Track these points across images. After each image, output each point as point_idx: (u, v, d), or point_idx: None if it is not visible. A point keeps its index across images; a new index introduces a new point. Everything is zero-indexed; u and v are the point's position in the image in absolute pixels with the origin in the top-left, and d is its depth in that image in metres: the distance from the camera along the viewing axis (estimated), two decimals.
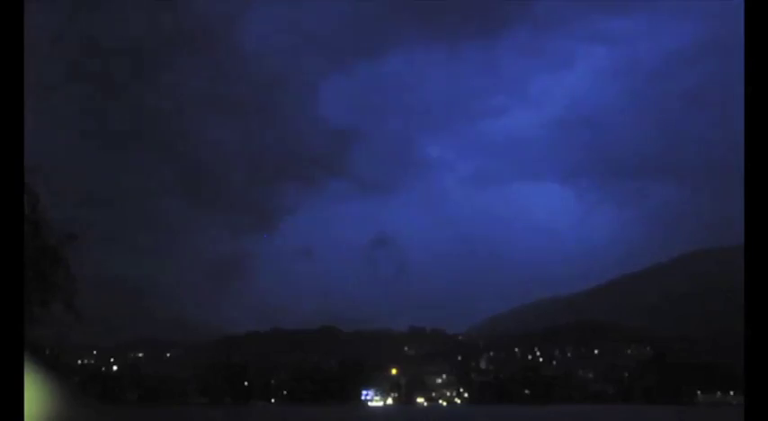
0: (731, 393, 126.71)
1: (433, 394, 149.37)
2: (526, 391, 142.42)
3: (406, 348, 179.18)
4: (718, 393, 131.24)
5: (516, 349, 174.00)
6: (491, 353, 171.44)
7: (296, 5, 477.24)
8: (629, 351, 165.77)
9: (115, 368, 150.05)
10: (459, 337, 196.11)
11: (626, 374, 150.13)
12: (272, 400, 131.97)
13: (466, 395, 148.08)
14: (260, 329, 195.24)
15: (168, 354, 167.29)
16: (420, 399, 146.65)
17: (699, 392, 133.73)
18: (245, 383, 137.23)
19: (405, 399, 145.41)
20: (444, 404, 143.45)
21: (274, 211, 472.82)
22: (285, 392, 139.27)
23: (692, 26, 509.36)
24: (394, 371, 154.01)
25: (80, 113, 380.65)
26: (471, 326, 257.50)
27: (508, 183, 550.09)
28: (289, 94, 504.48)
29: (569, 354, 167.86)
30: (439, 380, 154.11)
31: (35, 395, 11.30)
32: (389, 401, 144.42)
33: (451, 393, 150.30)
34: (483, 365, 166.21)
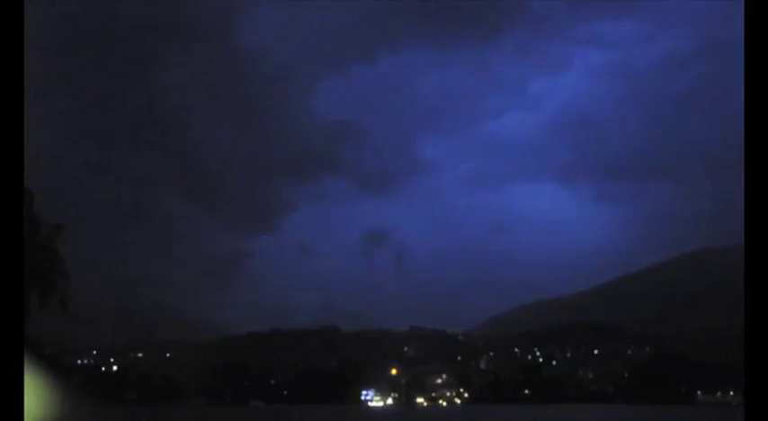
0: (731, 393, 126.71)
1: (433, 394, 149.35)
2: (526, 391, 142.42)
3: (405, 348, 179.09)
4: (718, 393, 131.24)
5: (516, 349, 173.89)
6: (491, 354, 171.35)
7: (294, 5, 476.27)
8: (629, 351, 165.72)
9: (115, 368, 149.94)
10: (460, 337, 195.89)
11: (626, 374, 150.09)
12: (272, 400, 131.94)
13: (466, 395, 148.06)
14: (260, 329, 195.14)
15: (168, 354, 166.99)
16: (420, 399, 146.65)
17: (699, 392, 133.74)
18: (245, 383, 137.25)
19: (405, 399, 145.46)
20: (444, 404, 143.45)
21: (274, 210, 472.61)
22: (285, 392, 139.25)
23: (687, 29, 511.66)
24: (394, 372, 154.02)
25: (75, 109, 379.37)
26: (471, 326, 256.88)
27: (507, 183, 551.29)
28: (287, 92, 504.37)
29: (569, 354, 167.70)
30: (439, 380, 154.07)
31: (35, 395, 11.29)
32: (389, 401, 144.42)
33: (451, 393, 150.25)
34: (483, 365, 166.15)
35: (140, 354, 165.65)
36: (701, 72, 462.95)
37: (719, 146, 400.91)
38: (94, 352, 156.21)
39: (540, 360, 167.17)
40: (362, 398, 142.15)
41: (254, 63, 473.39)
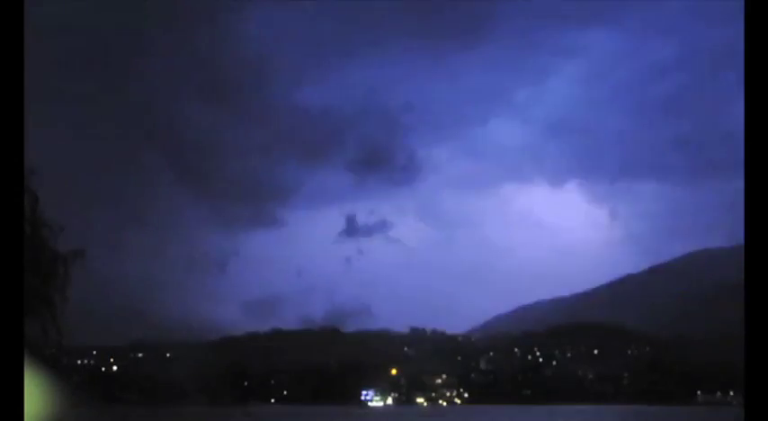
0: (731, 393, 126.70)
1: (433, 394, 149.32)
2: (526, 391, 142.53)
3: (405, 348, 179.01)
4: (718, 393, 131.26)
5: (516, 349, 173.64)
6: (491, 354, 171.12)
7: (281, 5, 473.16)
8: (629, 351, 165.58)
9: (115, 368, 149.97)
10: (459, 338, 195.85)
11: (626, 374, 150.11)
12: (272, 400, 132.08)
13: (466, 395, 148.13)
14: (260, 329, 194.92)
15: (168, 354, 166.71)
16: (420, 399, 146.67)
17: (699, 392, 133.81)
18: (245, 383, 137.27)
19: (405, 399, 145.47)
20: (444, 404, 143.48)
21: (272, 210, 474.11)
22: (285, 392, 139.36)
23: (669, 37, 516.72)
24: (394, 372, 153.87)
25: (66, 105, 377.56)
26: (471, 326, 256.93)
27: (504, 185, 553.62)
28: (275, 90, 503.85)
29: (569, 354, 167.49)
30: (439, 381, 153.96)
31: (35, 395, 11.29)
32: (389, 401, 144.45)
33: (451, 393, 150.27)
34: (483, 365, 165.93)
35: (140, 355, 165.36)
36: (681, 79, 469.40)
37: (702, 148, 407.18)
38: (94, 352, 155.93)
39: (540, 360, 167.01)
40: (362, 398, 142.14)
41: (246, 60, 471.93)
